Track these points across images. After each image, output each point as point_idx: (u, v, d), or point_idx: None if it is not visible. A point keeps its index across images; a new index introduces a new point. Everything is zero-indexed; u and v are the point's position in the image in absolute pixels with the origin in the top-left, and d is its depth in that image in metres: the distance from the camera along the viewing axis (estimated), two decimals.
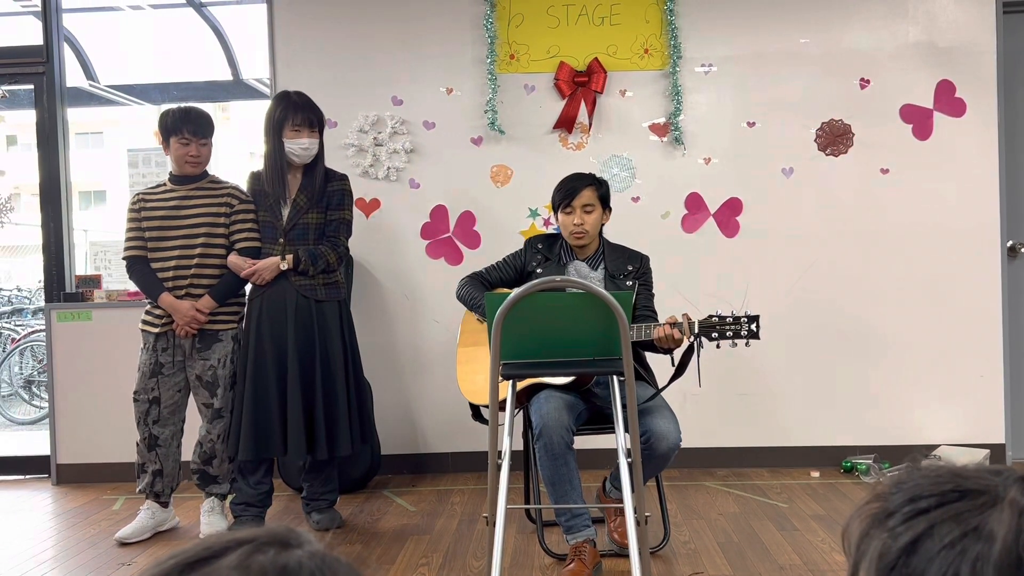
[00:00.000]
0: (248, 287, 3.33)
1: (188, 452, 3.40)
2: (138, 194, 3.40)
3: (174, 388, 3.32)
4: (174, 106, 3.36)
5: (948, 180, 4.02)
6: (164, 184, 3.39)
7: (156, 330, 3.29)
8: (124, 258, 3.37)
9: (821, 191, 4.05)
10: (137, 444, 3.35)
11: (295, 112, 3.23)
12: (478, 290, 2.99)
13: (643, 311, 2.96)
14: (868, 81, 4.03)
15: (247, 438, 3.18)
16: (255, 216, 3.32)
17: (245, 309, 3.35)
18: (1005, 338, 4.03)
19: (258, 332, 3.23)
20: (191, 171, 3.33)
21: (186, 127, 3.28)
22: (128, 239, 3.35)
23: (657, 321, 2.83)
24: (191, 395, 3.37)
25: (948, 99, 4.02)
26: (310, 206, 3.28)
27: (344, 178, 3.39)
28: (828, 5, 4.03)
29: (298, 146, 3.24)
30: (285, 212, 3.28)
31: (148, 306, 3.36)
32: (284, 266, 3.22)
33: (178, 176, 3.35)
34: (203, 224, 3.29)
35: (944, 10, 4.01)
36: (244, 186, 3.39)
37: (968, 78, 4.00)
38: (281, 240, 3.26)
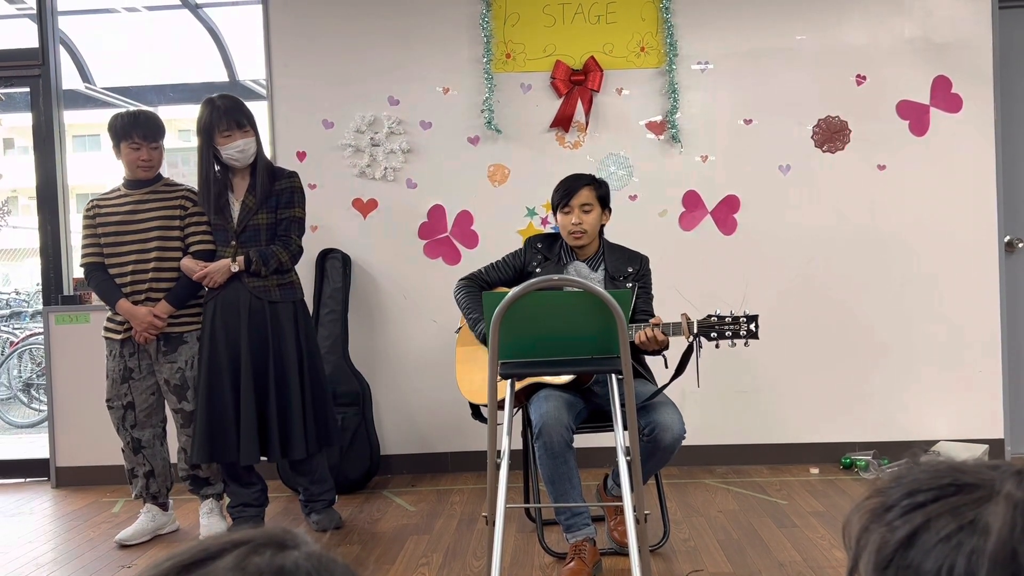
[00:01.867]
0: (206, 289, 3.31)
1: (173, 455, 3.40)
2: (92, 200, 3.36)
3: (147, 392, 3.31)
4: (122, 110, 3.34)
5: (945, 176, 4.02)
6: (118, 189, 3.36)
7: (119, 336, 3.27)
8: (82, 265, 3.35)
9: (818, 188, 4.05)
10: (122, 450, 3.34)
11: (220, 117, 3.16)
12: (474, 299, 2.95)
13: (641, 314, 2.96)
14: (864, 77, 4.03)
15: (200, 441, 3.15)
16: (209, 219, 3.28)
17: None
18: (1003, 333, 4.03)
19: (212, 335, 3.20)
20: (143, 175, 3.30)
21: (135, 131, 3.25)
22: (84, 246, 3.33)
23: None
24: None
25: (944, 95, 4.02)
26: (259, 206, 3.23)
27: (293, 175, 3.33)
28: (824, 2, 4.03)
29: (234, 150, 3.18)
30: (235, 214, 3.24)
31: (109, 313, 3.33)
32: (235, 268, 3.18)
33: (131, 180, 3.32)
34: (157, 228, 3.25)
35: (940, 6, 4.01)
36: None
37: (964, 74, 4.00)
38: (233, 243, 3.23)
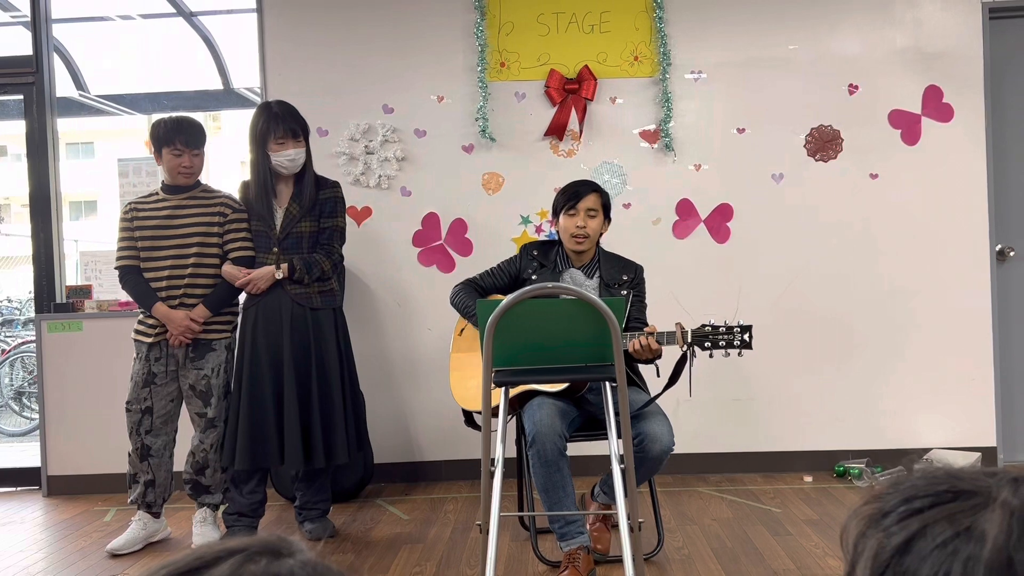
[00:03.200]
0: (242, 296, 3.32)
1: (180, 462, 3.39)
2: (130, 203, 3.38)
3: (167, 398, 3.31)
4: (166, 116, 3.35)
5: (937, 185, 4.04)
6: (156, 193, 3.37)
7: (149, 340, 3.28)
8: (117, 267, 3.35)
9: (811, 196, 4.07)
10: (129, 454, 3.33)
11: (277, 124, 3.20)
12: (472, 298, 2.98)
13: (635, 322, 2.97)
14: (857, 87, 4.06)
15: (243, 448, 3.17)
16: (248, 225, 3.31)
17: (239, 318, 3.34)
18: (995, 341, 4.05)
19: (253, 341, 3.22)
20: (184, 182, 3.32)
21: (178, 138, 3.26)
22: (120, 248, 3.33)
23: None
24: (183, 405, 3.36)
25: (936, 104, 4.04)
26: (303, 215, 3.27)
27: (336, 185, 3.38)
28: (817, 12, 4.06)
29: (284, 158, 3.22)
30: (278, 221, 3.27)
31: (141, 315, 3.34)
32: (279, 275, 3.21)
33: (170, 186, 3.34)
34: (196, 234, 3.27)
35: (931, 16, 4.04)
36: (236, 195, 3.38)
37: (955, 84, 4.03)
38: (275, 249, 3.25)
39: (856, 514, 0.65)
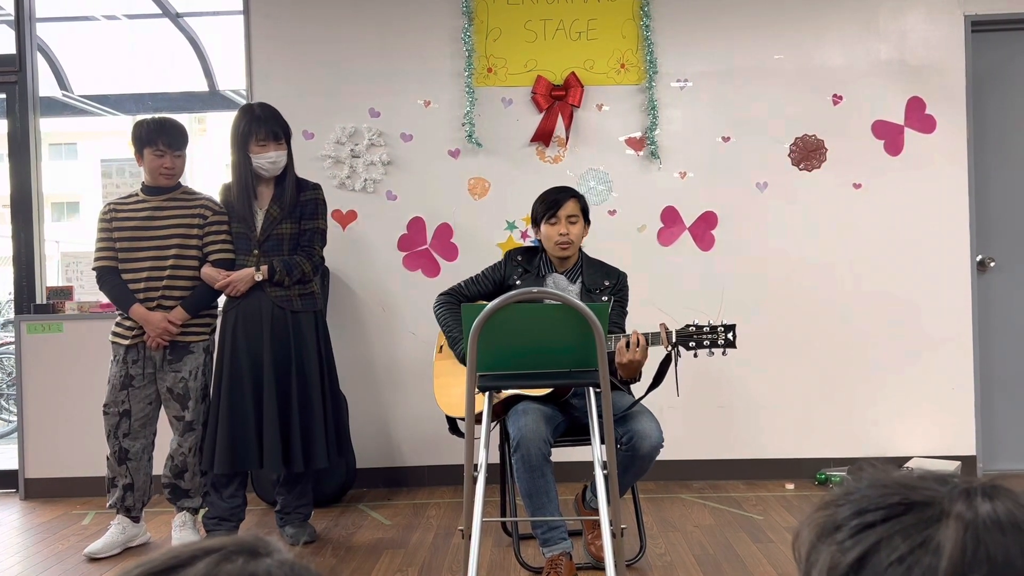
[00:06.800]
0: (222, 299, 3.30)
1: (159, 466, 3.36)
2: (109, 203, 3.36)
3: (144, 401, 3.28)
4: (148, 116, 3.33)
5: (919, 195, 4.08)
6: (136, 194, 3.34)
7: (127, 342, 3.25)
8: (94, 268, 3.33)
9: (795, 205, 4.09)
10: (107, 458, 3.30)
11: (259, 126, 3.19)
12: (455, 317, 2.94)
13: (613, 327, 2.97)
14: (841, 97, 4.09)
15: (223, 451, 3.14)
16: (229, 227, 3.29)
17: (218, 321, 3.32)
18: (975, 351, 4.08)
19: (233, 344, 3.20)
20: (165, 183, 3.30)
21: (160, 138, 3.25)
22: (98, 249, 3.30)
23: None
24: (162, 408, 3.33)
25: (919, 116, 4.08)
26: (283, 217, 3.25)
27: (317, 187, 3.36)
28: (802, 23, 4.09)
29: (266, 160, 3.21)
30: (259, 223, 3.25)
31: (119, 317, 3.31)
32: (259, 277, 3.20)
33: (151, 187, 3.31)
34: (176, 235, 3.25)
35: (914, 29, 4.08)
36: (218, 197, 3.36)
37: (938, 95, 4.07)
38: (255, 251, 3.24)
39: (808, 522, 0.65)
